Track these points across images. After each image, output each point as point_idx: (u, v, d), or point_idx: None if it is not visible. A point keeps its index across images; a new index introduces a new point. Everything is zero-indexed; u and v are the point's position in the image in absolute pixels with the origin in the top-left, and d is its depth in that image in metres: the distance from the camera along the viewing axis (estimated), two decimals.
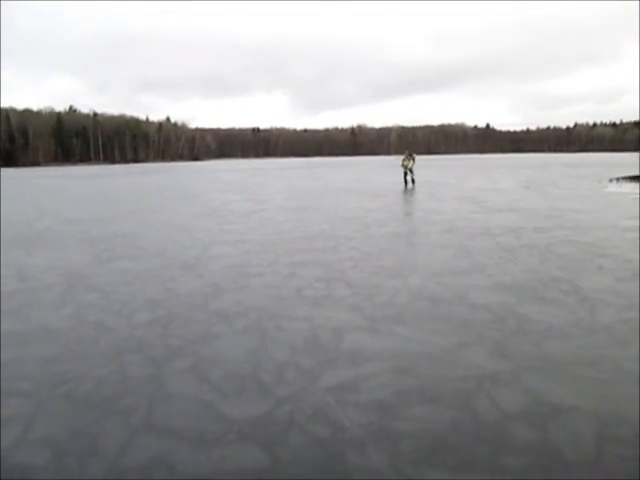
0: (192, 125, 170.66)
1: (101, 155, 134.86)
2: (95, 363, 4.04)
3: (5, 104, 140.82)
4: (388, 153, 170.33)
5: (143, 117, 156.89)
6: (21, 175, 57.60)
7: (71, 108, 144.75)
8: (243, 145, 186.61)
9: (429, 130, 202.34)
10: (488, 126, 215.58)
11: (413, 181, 23.07)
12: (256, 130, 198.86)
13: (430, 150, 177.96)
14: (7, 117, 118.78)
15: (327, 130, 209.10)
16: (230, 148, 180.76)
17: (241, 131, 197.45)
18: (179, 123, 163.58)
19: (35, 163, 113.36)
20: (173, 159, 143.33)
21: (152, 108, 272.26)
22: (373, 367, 3.86)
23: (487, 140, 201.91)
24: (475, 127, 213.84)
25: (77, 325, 4.98)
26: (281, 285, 6.25)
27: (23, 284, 6.59)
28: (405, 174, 23.11)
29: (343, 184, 25.89)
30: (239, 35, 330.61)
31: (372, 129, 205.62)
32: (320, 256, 7.88)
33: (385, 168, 47.91)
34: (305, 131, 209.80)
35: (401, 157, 23.81)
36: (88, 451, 2.85)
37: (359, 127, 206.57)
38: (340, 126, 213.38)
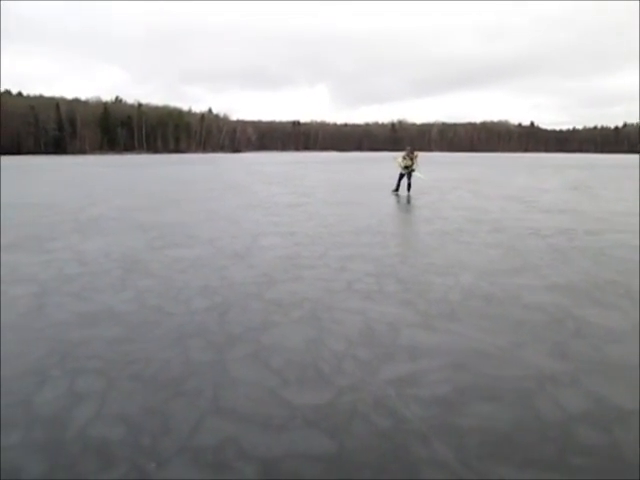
0: (233, 117, 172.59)
1: (144, 145, 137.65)
2: (159, 346, 4.20)
3: (55, 93, 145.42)
4: (429, 149, 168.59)
5: (186, 108, 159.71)
6: (70, 162, 59.37)
7: (117, 98, 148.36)
8: (283, 138, 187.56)
9: (471, 127, 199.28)
10: (532, 124, 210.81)
11: (409, 187, 17.64)
12: (296, 123, 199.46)
13: (472, 148, 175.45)
14: (57, 106, 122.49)
15: (367, 125, 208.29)
16: (270, 141, 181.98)
17: (281, 124, 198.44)
18: (221, 115, 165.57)
19: (82, 151, 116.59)
20: (214, 150, 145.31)
21: (195, 99, 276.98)
22: (431, 363, 3.89)
23: (531, 139, 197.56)
24: (519, 125, 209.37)
25: (139, 309, 5.16)
26: (332, 278, 6.32)
27: (84, 268, 6.85)
28: (401, 176, 17.84)
29: (385, 180, 25.76)
30: (282, 28, 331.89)
31: (413, 125, 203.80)
32: (368, 251, 7.91)
33: (427, 165, 47.44)
34: (345, 125, 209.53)
35: (400, 154, 18.19)
36: (161, 429, 2.97)
37: (400, 122, 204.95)
38: (380, 121, 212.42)
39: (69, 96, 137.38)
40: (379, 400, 3.30)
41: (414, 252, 7.91)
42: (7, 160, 65.48)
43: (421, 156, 18.16)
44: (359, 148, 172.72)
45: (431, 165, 41.04)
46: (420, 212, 12.66)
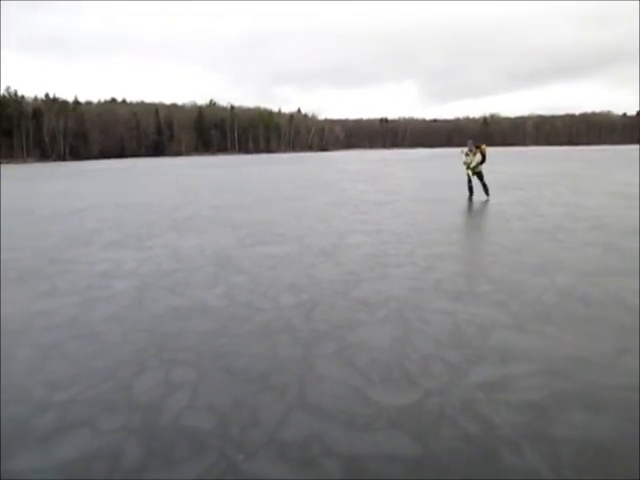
0: (321, 116, 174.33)
1: (236, 145, 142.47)
2: (248, 340, 4.32)
3: (155, 99, 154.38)
4: (524, 144, 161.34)
5: (276, 109, 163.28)
6: (168, 164, 62.69)
7: (211, 102, 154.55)
8: (371, 136, 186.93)
9: (570, 119, 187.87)
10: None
11: (485, 189, 14.57)
12: (384, 120, 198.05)
13: (571, 141, 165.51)
14: (156, 111, 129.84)
15: (457, 120, 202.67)
16: (358, 139, 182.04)
17: (369, 122, 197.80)
18: (309, 114, 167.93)
19: (178, 153, 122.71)
20: (302, 149, 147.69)
21: (285, 100, 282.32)
22: (523, 367, 3.71)
23: (638, 129, 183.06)
24: (624, 115, 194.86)
25: (229, 304, 5.35)
26: (420, 277, 6.21)
27: (179, 264, 7.21)
28: (470, 178, 14.86)
29: None
30: (369, 25, 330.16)
31: (506, 118, 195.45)
32: (457, 249, 7.70)
33: (520, 159, 45.47)
34: (434, 121, 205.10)
35: (464, 150, 15.08)
36: (249, 422, 3.06)
37: (492, 116, 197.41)
38: (471, 115, 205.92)
39: (167, 101, 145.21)
40: (467, 404, 3.20)
41: (507, 251, 7.59)
42: (114, 163, 70.33)
43: (486, 151, 14.83)
44: (448, 144, 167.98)
45: (525, 160, 39.30)
46: (514, 209, 12.13)
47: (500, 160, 49.02)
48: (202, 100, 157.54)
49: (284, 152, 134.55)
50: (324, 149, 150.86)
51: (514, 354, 3.93)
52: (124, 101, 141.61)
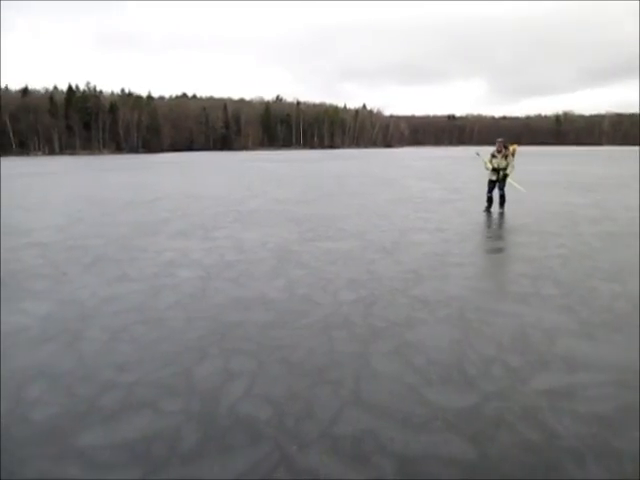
0: (387, 112, 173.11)
1: (301, 141, 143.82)
2: (306, 334, 4.35)
3: (224, 94, 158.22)
4: (599, 143, 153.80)
5: (341, 105, 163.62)
6: (235, 158, 64.05)
7: (278, 97, 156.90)
8: (437, 132, 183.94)
9: None
10: None
11: (502, 201, 11.80)
12: (451, 117, 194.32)
13: None
14: (224, 106, 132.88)
15: (528, 117, 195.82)
16: (423, 135, 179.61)
17: (435, 118, 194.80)
18: (374, 110, 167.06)
19: (245, 147, 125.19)
20: (366, 146, 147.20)
21: (350, 96, 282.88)
22: (591, 376, 3.54)
23: None
24: None
25: (289, 297, 5.41)
26: (483, 277, 6.05)
27: (242, 256, 7.35)
28: (492, 184, 11.76)
29: (545, 176, 24.02)
30: (438, 21, 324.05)
31: (580, 116, 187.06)
32: (524, 251, 7.43)
33: (593, 159, 43.40)
34: (504, 118, 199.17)
35: (491, 150, 12.22)
36: (303, 414, 3.08)
37: (565, 114, 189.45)
38: (543, 113, 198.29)
39: (235, 97, 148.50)
40: (528, 411, 3.09)
41: (576, 254, 7.26)
42: (183, 156, 72.61)
43: (518, 152, 12.40)
44: (518, 142, 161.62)
45: (599, 160, 37.44)
46: (584, 211, 11.58)
47: (571, 159, 46.95)
48: (269, 95, 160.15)
49: (348, 148, 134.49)
50: (388, 145, 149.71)
51: (581, 362, 3.75)
52: (194, 96, 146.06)
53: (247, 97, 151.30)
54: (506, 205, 11.77)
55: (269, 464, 2.61)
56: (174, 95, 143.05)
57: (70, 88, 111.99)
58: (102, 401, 3.25)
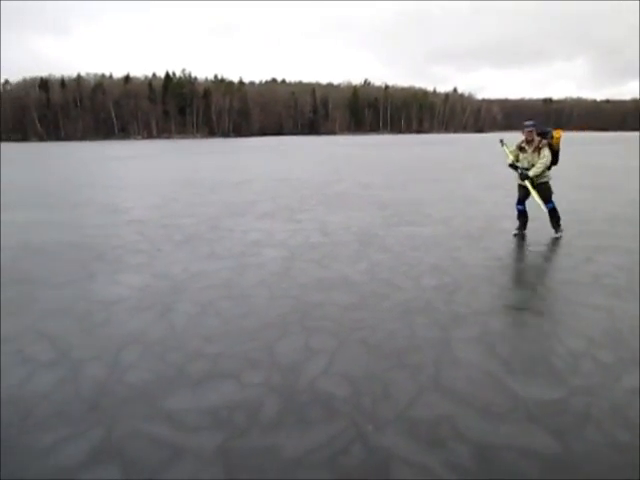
0: (479, 96, 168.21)
1: (389, 125, 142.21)
2: (386, 317, 4.35)
3: (312, 79, 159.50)
4: None
5: (431, 88, 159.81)
6: (322, 142, 64.53)
7: (366, 81, 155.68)
8: (532, 117, 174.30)
9: None
10: None
11: (554, 216, 7.40)
12: (548, 101, 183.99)
13: None
14: (313, 91, 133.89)
15: (635, 101, 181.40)
16: (517, 120, 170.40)
17: (530, 102, 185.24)
18: (466, 94, 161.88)
19: (332, 132, 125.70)
20: (456, 130, 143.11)
21: (440, 79, 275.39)
22: None
23: None
24: None
25: (370, 280, 5.42)
26: (574, 268, 5.74)
27: (325, 238, 7.44)
28: (524, 191, 7.54)
29: None
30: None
31: None
32: (622, 242, 6.95)
33: None
34: (607, 102, 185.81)
35: (519, 138, 7.68)
36: (381, 395, 3.09)
37: None
38: None
39: (323, 81, 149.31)
40: (618, 408, 2.92)
41: None
42: (272, 140, 74.11)
43: (566, 139, 8.24)
44: (622, 127, 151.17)
45: None
46: None
47: None
48: (357, 80, 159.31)
49: (437, 133, 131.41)
50: (479, 130, 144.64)
51: None
52: (284, 81, 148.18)
53: (335, 81, 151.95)
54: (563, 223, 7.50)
55: (345, 439, 2.66)
56: (264, 80, 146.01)
57: (167, 75, 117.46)
58: (190, 369, 3.44)
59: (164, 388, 3.20)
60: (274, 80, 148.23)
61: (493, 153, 33.30)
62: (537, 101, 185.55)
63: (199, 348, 3.77)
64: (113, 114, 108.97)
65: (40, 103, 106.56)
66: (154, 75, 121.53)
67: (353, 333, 4.02)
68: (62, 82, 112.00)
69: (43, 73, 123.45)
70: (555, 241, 7.10)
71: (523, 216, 7.65)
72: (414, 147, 45.31)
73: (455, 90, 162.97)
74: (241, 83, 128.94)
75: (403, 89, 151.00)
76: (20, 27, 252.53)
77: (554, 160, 7.29)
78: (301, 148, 46.04)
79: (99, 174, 20.79)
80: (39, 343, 3.91)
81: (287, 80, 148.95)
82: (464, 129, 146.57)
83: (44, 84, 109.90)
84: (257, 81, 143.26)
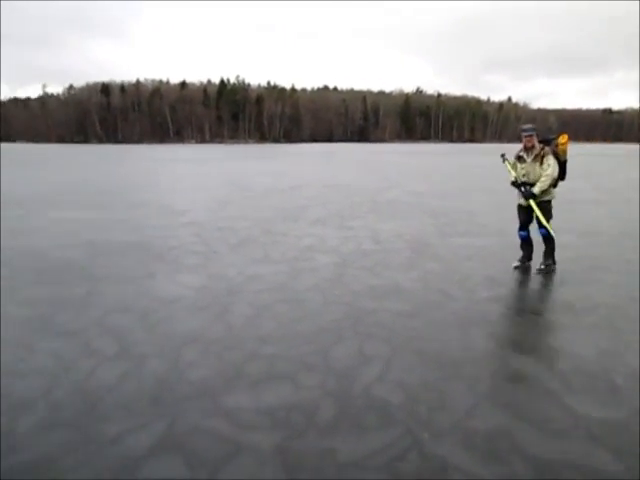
0: (534, 105, 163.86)
1: (440, 134, 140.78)
2: (440, 326, 4.33)
3: (363, 87, 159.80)
4: None
5: (484, 97, 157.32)
6: (373, 149, 64.47)
7: (418, 89, 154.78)
8: (590, 127, 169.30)
9: None
10: None
11: (547, 243, 6.18)
12: (607, 111, 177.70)
13: None
14: (364, 98, 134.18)
15: None
16: (574, 130, 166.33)
17: (589, 112, 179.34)
18: (520, 103, 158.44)
19: (382, 139, 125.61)
20: (509, 141, 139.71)
21: (494, 88, 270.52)
22: None
23: None
24: None
25: (423, 288, 5.41)
26: (633, 284, 5.55)
27: (377, 246, 7.46)
28: (525, 212, 6.49)
29: None
30: (598, 6, 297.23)
31: None
32: None
33: None
34: None
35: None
36: (436, 404, 3.10)
37: None
38: None
39: (375, 89, 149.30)
40: None
41: None
42: (323, 146, 74.50)
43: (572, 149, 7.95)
44: None
45: None
46: None
47: None
48: (409, 87, 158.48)
49: (489, 142, 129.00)
50: None
51: None
52: (335, 88, 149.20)
53: (387, 89, 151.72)
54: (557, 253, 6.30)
55: (401, 447, 2.68)
56: (315, 87, 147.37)
57: (222, 81, 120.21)
58: (247, 369, 3.54)
59: (223, 386, 3.30)
60: (326, 87, 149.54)
61: None
62: (596, 111, 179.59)
63: (256, 349, 3.86)
64: (169, 118, 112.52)
65: (101, 107, 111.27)
66: (209, 81, 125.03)
67: (408, 342, 4.02)
68: (122, 87, 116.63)
69: (104, 78, 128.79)
70: (616, 258, 6.87)
71: (527, 244, 6.42)
72: (466, 156, 44.64)
73: (509, 99, 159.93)
74: (293, 90, 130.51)
75: (456, 98, 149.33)
76: (83, 34, 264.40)
77: (561, 173, 6.20)
78: (351, 155, 46.14)
79: (156, 176, 21.48)
80: (104, 338, 4.11)
81: (339, 87, 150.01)
82: (518, 139, 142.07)
83: (105, 89, 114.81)
84: (309, 88, 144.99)
